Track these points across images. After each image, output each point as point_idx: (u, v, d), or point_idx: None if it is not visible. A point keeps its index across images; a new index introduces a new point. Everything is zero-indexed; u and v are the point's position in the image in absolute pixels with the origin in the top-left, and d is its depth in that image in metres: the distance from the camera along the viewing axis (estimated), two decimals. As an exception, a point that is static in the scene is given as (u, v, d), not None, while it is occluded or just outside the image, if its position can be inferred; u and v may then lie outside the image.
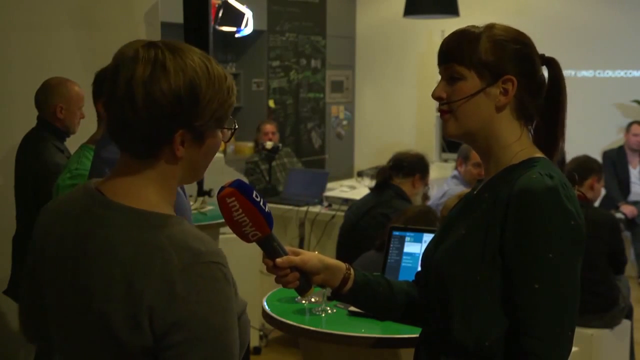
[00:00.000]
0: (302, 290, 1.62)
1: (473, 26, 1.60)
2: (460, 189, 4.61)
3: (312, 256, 1.62)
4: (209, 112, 1.28)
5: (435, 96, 1.60)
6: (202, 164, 1.35)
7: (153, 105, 1.23)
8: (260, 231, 1.49)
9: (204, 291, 1.22)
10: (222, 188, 1.45)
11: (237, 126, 1.37)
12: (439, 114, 1.63)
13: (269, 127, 6.38)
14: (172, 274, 1.20)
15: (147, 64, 1.24)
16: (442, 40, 1.62)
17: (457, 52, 1.56)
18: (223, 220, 1.48)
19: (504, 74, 1.55)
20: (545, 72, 1.63)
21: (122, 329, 1.22)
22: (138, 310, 1.20)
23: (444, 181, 5.31)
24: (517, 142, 1.58)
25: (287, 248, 1.59)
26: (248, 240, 1.51)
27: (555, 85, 1.61)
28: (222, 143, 1.37)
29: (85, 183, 1.36)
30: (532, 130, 1.63)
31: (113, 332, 1.22)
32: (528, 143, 1.60)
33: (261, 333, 4.74)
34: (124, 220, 1.26)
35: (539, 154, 1.59)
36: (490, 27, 1.59)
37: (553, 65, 1.62)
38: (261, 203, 1.46)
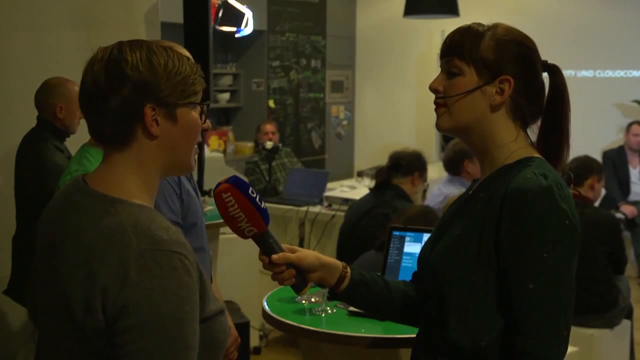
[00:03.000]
0: (298, 288, 1.62)
1: (479, 24, 1.60)
2: (460, 192, 4.56)
3: (308, 254, 1.62)
4: (171, 84, 1.31)
5: (432, 88, 1.61)
6: (183, 146, 1.35)
7: (115, 80, 1.29)
8: (256, 227, 1.50)
9: (159, 278, 1.21)
10: (219, 184, 1.46)
11: (209, 102, 1.40)
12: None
13: (269, 127, 6.38)
14: (128, 258, 1.21)
15: (106, 51, 1.32)
16: (443, 39, 1.62)
17: (459, 47, 1.56)
18: (223, 220, 1.49)
19: (501, 73, 1.55)
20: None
21: (79, 311, 1.23)
22: (93, 292, 1.22)
23: (440, 182, 5.23)
24: (513, 142, 1.57)
25: (284, 245, 1.59)
26: (244, 236, 1.51)
27: (557, 93, 1.60)
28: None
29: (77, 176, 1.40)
30: (529, 133, 1.63)
31: (72, 314, 1.24)
32: (524, 144, 1.59)
33: (261, 333, 4.74)
34: (94, 206, 1.29)
35: (535, 154, 1.58)
36: (495, 26, 1.59)
37: (555, 72, 1.61)
38: (257, 199, 1.47)
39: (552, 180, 1.48)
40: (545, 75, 1.62)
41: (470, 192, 1.63)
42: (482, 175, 1.63)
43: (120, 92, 1.28)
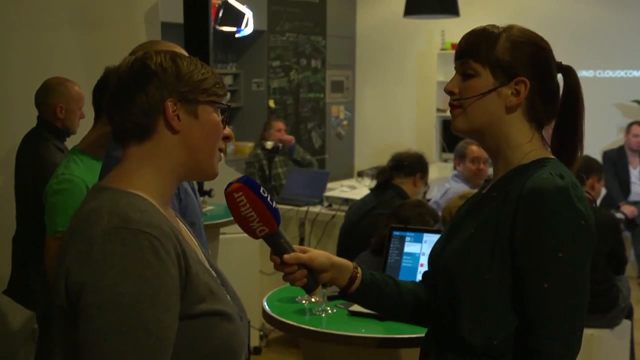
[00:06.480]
0: (310, 289, 1.62)
1: (493, 25, 1.60)
2: (462, 187, 4.63)
3: (319, 254, 1.62)
4: (193, 81, 1.34)
5: (447, 90, 1.60)
6: (204, 147, 1.36)
7: (140, 76, 1.33)
8: (267, 227, 1.49)
9: (119, 256, 1.18)
10: (230, 184, 1.46)
11: (230, 104, 1.42)
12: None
13: (280, 124, 6.37)
14: (94, 237, 1.20)
15: (131, 58, 1.37)
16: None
17: (474, 49, 1.57)
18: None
19: (517, 75, 1.55)
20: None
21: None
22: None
23: (445, 181, 5.32)
24: (527, 144, 1.58)
25: (295, 246, 1.59)
26: (255, 237, 1.51)
27: (571, 94, 1.61)
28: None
29: None
30: (544, 135, 1.63)
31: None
32: (539, 145, 1.60)
33: (261, 333, 4.73)
34: (95, 197, 1.30)
35: (550, 155, 1.59)
36: (510, 27, 1.59)
37: (569, 73, 1.62)
38: (268, 199, 1.47)
39: (568, 181, 1.49)
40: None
41: (483, 192, 1.63)
42: (495, 175, 1.63)
43: (145, 88, 1.31)
